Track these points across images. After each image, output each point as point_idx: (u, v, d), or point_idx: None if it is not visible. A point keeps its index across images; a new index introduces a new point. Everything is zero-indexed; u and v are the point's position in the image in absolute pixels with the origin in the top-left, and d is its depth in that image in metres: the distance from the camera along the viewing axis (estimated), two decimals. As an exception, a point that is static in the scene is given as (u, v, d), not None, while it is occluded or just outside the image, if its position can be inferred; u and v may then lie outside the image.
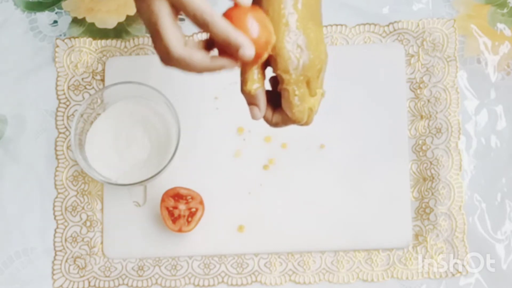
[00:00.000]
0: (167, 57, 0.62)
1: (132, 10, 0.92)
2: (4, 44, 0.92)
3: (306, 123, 0.69)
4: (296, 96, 0.65)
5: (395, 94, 0.88)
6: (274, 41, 0.64)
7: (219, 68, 0.63)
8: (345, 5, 0.91)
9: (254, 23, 0.62)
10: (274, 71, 0.66)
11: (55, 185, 0.89)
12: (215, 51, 0.64)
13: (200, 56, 0.62)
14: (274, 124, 0.69)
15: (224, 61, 0.62)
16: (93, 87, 0.91)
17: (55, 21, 0.93)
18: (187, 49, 0.62)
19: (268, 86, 0.68)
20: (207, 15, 0.60)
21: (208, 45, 0.64)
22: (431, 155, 0.87)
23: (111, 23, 0.92)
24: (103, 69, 0.91)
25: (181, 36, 0.62)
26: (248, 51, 0.61)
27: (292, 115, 0.67)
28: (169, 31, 0.61)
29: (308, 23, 0.65)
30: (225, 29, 0.60)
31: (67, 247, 0.87)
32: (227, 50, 0.61)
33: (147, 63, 0.91)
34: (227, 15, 0.62)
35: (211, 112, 0.89)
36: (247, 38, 0.61)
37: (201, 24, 0.61)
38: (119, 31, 0.92)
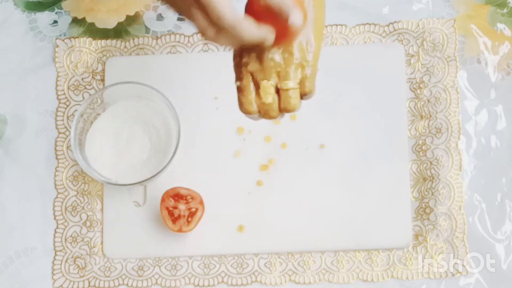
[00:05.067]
0: (215, 28, 0.60)
1: (132, 10, 0.92)
2: (4, 44, 0.92)
3: (263, 116, 0.67)
4: (237, 87, 0.66)
5: (395, 94, 0.88)
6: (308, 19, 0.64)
7: (263, 38, 0.61)
8: (345, 5, 0.91)
9: None
10: None
11: (55, 185, 0.89)
12: None
13: (248, 24, 0.60)
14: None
15: (268, 30, 0.61)
16: (93, 87, 0.91)
17: (55, 21, 0.93)
18: (237, 17, 0.60)
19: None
20: None
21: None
22: (431, 155, 0.87)
23: (111, 23, 0.92)
24: (103, 69, 0.91)
25: (230, 2, 0.60)
26: (299, 18, 0.60)
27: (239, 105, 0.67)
28: None
29: None
30: None
31: (67, 247, 0.87)
32: (274, 19, 0.60)
33: (147, 63, 0.90)
34: None
35: (211, 112, 0.89)
36: (295, 6, 0.60)
37: None
38: (119, 31, 0.92)
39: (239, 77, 0.66)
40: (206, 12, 0.60)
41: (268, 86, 0.65)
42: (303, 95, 0.67)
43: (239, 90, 0.67)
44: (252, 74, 0.66)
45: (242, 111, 0.68)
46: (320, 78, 0.89)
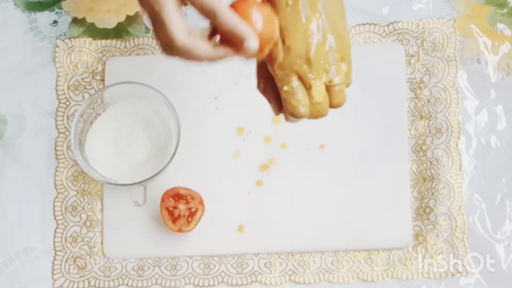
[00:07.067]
0: (169, 47, 0.61)
1: (132, 10, 0.92)
2: (4, 44, 0.92)
3: (314, 116, 0.67)
4: (284, 92, 0.65)
5: (395, 94, 0.88)
6: (276, 37, 0.64)
7: (221, 58, 0.62)
8: (345, 5, 0.90)
9: (259, 16, 0.62)
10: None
11: (55, 185, 0.89)
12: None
13: (203, 47, 0.61)
14: (287, 120, 0.68)
15: (226, 51, 0.62)
16: (93, 87, 0.91)
17: (55, 21, 0.93)
18: (190, 39, 0.61)
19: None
20: (214, 4, 0.59)
21: (212, 33, 0.63)
22: (431, 155, 0.87)
23: (111, 23, 0.92)
24: (103, 69, 0.91)
25: (185, 25, 0.61)
26: (253, 44, 0.60)
27: (287, 110, 0.65)
28: (174, 21, 0.60)
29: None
30: (232, 20, 0.60)
31: (67, 247, 0.87)
32: (231, 41, 0.61)
33: (147, 63, 0.91)
34: (234, 6, 0.62)
35: (211, 112, 0.89)
36: (252, 31, 0.60)
37: (208, 13, 0.60)
38: (119, 31, 0.92)
39: (285, 81, 0.65)
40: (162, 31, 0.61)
41: (320, 85, 0.65)
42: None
43: (288, 94, 0.65)
44: (299, 76, 0.65)
45: (295, 115, 0.66)
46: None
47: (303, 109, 0.65)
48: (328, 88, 0.65)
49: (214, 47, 0.62)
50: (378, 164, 0.87)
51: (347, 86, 0.67)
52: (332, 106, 0.66)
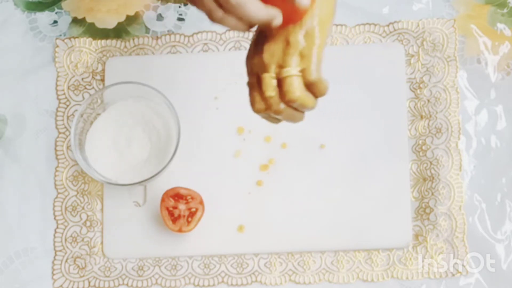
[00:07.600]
0: (222, 9, 0.60)
1: (132, 10, 0.92)
2: (4, 44, 0.92)
3: (269, 111, 0.65)
4: (248, 87, 0.66)
5: (395, 94, 0.88)
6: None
7: (271, 18, 0.61)
8: (345, 5, 0.91)
9: None
10: None
11: (55, 185, 0.89)
12: None
13: (255, 3, 0.60)
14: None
15: (276, 11, 0.61)
16: (93, 87, 0.91)
17: (55, 21, 0.93)
18: None
19: None
20: None
21: None
22: (431, 155, 0.87)
23: (111, 23, 0.92)
24: (103, 69, 0.91)
25: None
26: None
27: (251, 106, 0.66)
28: None
29: None
30: None
31: (67, 247, 0.87)
32: (281, 1, 0.61)
33: (147, 63, 0.91)
34: None
35: (211, 112, 0.89)
36: None
37: None
38: (119, 31, 0.92)
39: (248, 77, 0.66)
40: None
41: (267, 78, 0.64)
42: (309, 86, 0.64)
43: (249, 90, 0.66)
44: (256, 70, 0.65)
45: (254, 111, 0.66)
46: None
47: (258, 104, 0.65)
48: (281, 81, 0.64)
49: (265, 6, 0.61)
50: (378, 164, 0.87)
51: (313, 83, 0.64)
52: (282, 100, 0.64)
